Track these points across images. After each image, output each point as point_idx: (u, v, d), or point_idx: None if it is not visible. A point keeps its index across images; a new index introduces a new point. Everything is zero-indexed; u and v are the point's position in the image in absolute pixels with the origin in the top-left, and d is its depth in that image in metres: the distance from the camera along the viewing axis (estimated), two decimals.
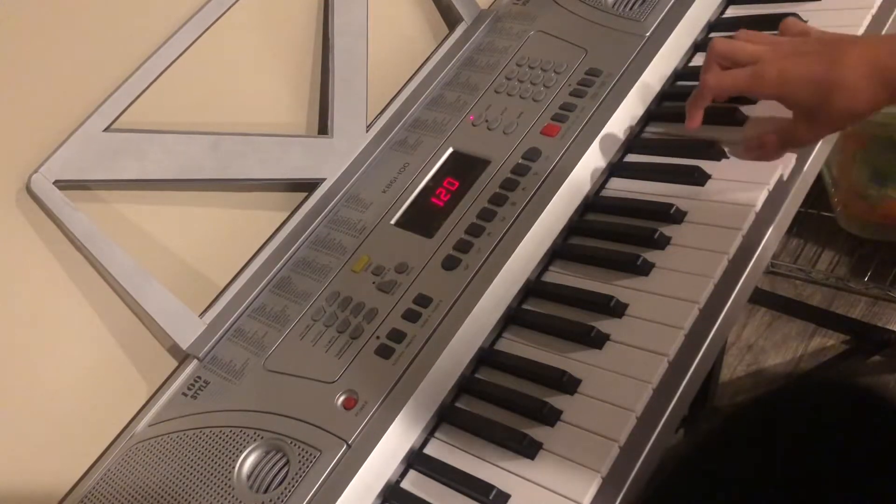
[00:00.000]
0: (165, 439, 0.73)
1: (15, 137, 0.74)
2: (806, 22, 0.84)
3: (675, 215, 0.74)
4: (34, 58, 0.74)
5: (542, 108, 0.84)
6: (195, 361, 0.79)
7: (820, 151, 0.75)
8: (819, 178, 1.39)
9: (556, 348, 0.70)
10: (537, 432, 0.64)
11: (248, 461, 0.69)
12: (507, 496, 0.62)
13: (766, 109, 0.79)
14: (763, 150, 0.73)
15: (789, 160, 0.73)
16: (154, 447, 0.73)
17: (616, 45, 0.86)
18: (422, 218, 0.81)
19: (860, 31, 0.80)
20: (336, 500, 0.63)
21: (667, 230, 0.73)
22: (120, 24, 0.79)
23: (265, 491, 0.67)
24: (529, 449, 0.63)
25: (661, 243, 0.72)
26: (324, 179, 0.88)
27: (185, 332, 0.79)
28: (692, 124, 0.75)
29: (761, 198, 0.72)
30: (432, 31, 1.02)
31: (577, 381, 0.66)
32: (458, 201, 0.80)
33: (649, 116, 0.84)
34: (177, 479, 0.70)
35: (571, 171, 0.77)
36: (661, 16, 0.87)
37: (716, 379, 1.39)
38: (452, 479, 0.65)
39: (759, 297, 1.55)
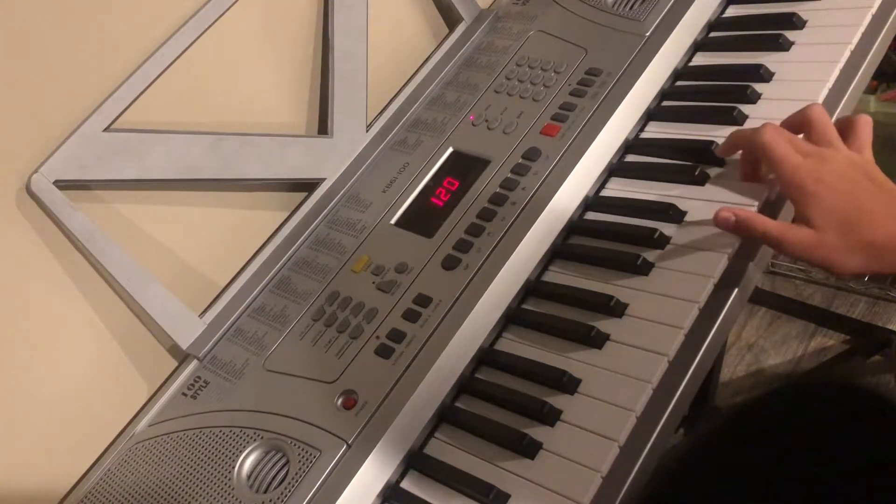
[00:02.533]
0: (165, 439, 0.73)
1: (15, 137, 0.74)
2: (806, 22, 0.84)
3: (674, 215, 0.74)
4: (34, 58, 0.74)
5: (542, 108, 0.84)
6: (195, 361, 0.79)
7: None
8: None
9: (556, 348, 0.70)
10: (537, 432, 0.64)
11: (248, 461, 0.69)
12: (507, 496, 0.62)
13: (766, 109, 0.79)
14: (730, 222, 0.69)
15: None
16: (154, 447, 0.73)
17: (616, 45, 0.86)
18: (422, 218, 0.81)
19: (860, 31, 0.80)
20: (336, 500, 0.63)
21: (667, 230, 0.73)
22: (120, 24, 0.79)
23: (265, 491, 0.67)
24: (529, 449, 0.63)
25: (661, 243, 0.72)
26: (324, 179, 0.88)
27: (185, 332, 0.79)
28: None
29: (761, 198, 0.72)
30: (432, 31, 1.02)
31: (577, 381, 0.66)
32: (458, 201, 0.80)
33: (649, 116, 0.84)
34: (177, 479, 0.70)
35: (571, 170, 0.77)
36: (661, 16, 0.87)
37: (716, 379, 1.39)
38: (452, 479, 0.65)
39: (759, 297, 1.55)
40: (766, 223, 0.66)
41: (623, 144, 0.82)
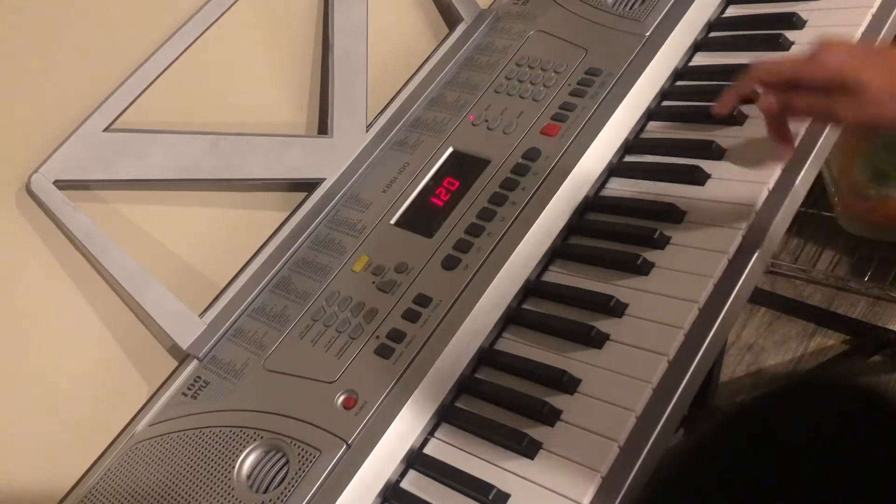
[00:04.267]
0: (165, 439, 0.73)
1: (15, 137, 0.74)
2: (806, 22, 0.84)
3: (675, 215, 0.74)
4: (34, 58, 0.74)
5: (541, 108, 0.84)
6: (195, 361, 0.79)
7: (820, 151, 0.75)
8: (819, 178, 1.38)
9: (555, 348, 0.70)
10: (537, 432, 0.64)
11: (248, 461, 0.69)
12: (507, 496, 0.62)
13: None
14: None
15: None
16: (154, 447, 0.73)
17: (616, 45, 0.86)
18: (422, 218, 0.81)
19: (860, 31, 0.80)
20: (336, 500, 0.63)
21: (667, 230, 0.73)
22: (120, 24, 0.79)
23: (265, 491, 0.67)
24: (529, 449, 0.63)
25: (661, 243, 0.72)
26: (324, 179, 0.88)
27: (185, 332, 0.79)
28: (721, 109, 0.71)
29: (761, 198, 0.72)
30: (432, 30, 1.02)
31: (577, 381, 0.66)
32: (458, 201, 0.80)
33: (649, 116, 0.84)
34: (177, 479, 0.70)
35: (571, 170, 0.77)
36: (661, 15, 0.87)
37: (716, 379, 1.39)
38: (452, 479, 0.65)
39: (759, 297, 1.54)
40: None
41: (623, 144, 0.82)
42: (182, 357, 0.82)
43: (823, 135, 0.75)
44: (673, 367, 0.64)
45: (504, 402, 0.68)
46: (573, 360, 0.68)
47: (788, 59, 0.64)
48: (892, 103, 0.57)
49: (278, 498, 0.65)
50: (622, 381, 0.64)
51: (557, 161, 0.78)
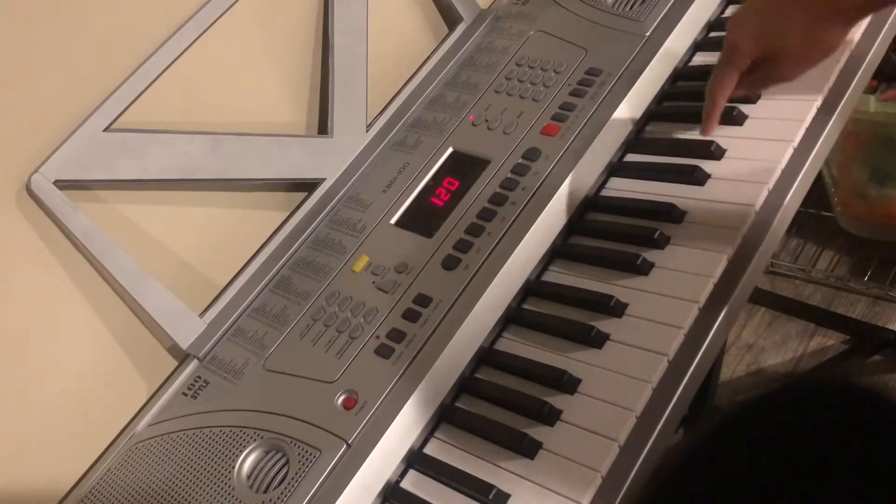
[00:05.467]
0: (165, 439, 0.73)
1: (15, 137, 0.74)
2: None
3: (675, 215, 0.74)
4: (34, 57, 0.74)
5: (541, 108, 0.84)
6: (195, 361, 0.79)
7: (820, 151, 0.75)
8: (819, 178, 1.39)
9: (556, 348, 0.70)
10: (537, 432, 0.64)
11: (248, 461, 0.69)
12: (507, 496, 0.62)
13: (766, 109, 0.79)
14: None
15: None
16: (154, 447, 0.73)
17: (616, 45, 0.86)
18: (422, 218, 0.81)
19: (860, 31, 0.80)
20: (336, 500, 0.63)
21: (667, 230, 0.73)
22: (120, 24, 0.79)
23: (265, 491, 0.67)
24: (529, 449, 0.63)
25: (661, 243, 0.72)
26: (324, 179, 0.88)
27: (185, 332, 0.79)
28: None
29: (761, 198, 0.72)
30: (432, 30, 1.02)
31: (577, 381, 0.66)
32: (458, 201, 0.80)
33: (649, 116, 0.84)
34: (177, 478, 0.70)
35: (571, 170, 0.77)
36: (661, 16, 0.87)
37: (716, 379, 1.39)
38: (452, 479, 0.65)
39: (759, 297, 1.55)
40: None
41: (623, 144, 0.82)
42: (182, 357, 0.82)
43: (823, 135, 0.75)
44: (673, 367, 0.64)
45: (504, 402, 0.68)
46: (573, 360, 0.68)
47: (721, 62, 0.71)
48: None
49: (278, 498, 0.65)
50: (622, 381, 0.64)
51: (557, 161, 0.78)
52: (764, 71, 0.70)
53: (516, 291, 0.73)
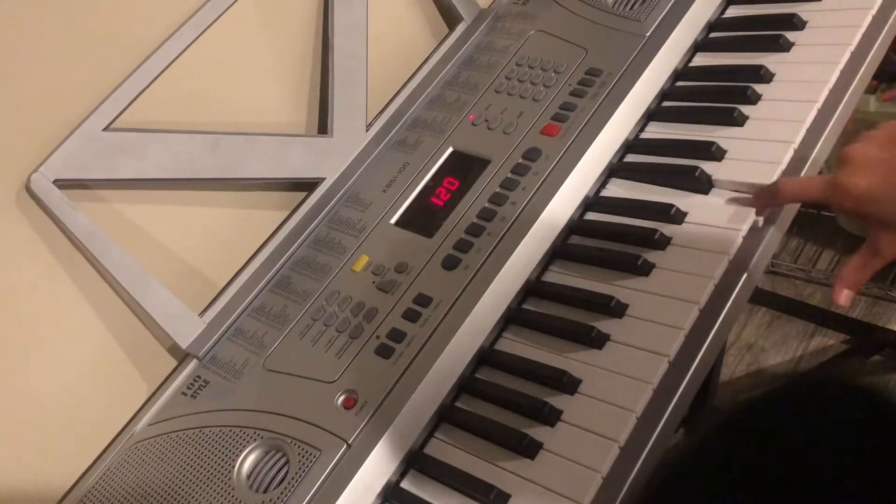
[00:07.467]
0: (165, 439, 0.73)
1: (15, 137, 0.74)
2: (806, 23, 0.84)
3: (675, 215, 0.74)
4: (34, 57, 0.74)
5: (542, 108, 0.84)
6: (195, 361, 0.79)
7: (820, 151, 0.75)
8: None
9: (556, 348, 0.70)
10: (537, 432, 0.64)
11: (247, 461, 0.69)
12: (508, 496, 0.62)
13: (766, 110, 0.79)
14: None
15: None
16: (154, 447, 0.73)
17: (616, 45, 0.86)
18: (422, 217, 0.81)
19: (861, 32, 0.80)
20: (336, 500, 0.63)
21: (667, 230, 0.73)
22: (120, 24, 0.79)
23: (265, 491, 0.67)
24: (529, 449, 0.63)
25: (662, 243, 0.72)
26: (324, 179, 0.88)
27: (184, 332, 0.79)
28: None
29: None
30: (432, 30, 1.02)
31: (577, 381, 0.66)
32: (458, 201, 0.80)
33: (649, 116, 0.84)
34: (177, 478, 0.70)
35: (571, 170, 0.77)
36: (662, 16, 0.87)
37: (716, 379, 1.39)
38: (452, 479, 0.65)
39: (759, 297, 1.55)
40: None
41: (623, 144, 0.82)
42: (182, 356, 0.82)
43: (824, 135, 0.75)
44: (673, 367, 0.64)
45: (504, 402, 0.68)
46: (573, 361, 0.68)
47: (813, 183, 0.65)
48: None
49: (278, 498, 0.65)
50: (623, 382, 0.64)
51: (558, 161, 0.78)
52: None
53: (516, 291, 0.73)
